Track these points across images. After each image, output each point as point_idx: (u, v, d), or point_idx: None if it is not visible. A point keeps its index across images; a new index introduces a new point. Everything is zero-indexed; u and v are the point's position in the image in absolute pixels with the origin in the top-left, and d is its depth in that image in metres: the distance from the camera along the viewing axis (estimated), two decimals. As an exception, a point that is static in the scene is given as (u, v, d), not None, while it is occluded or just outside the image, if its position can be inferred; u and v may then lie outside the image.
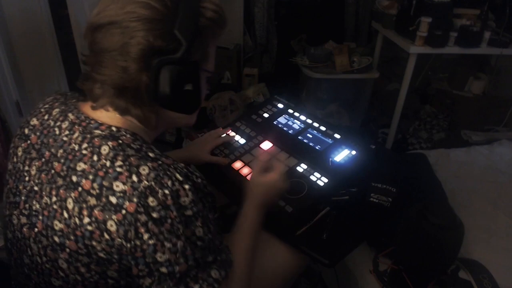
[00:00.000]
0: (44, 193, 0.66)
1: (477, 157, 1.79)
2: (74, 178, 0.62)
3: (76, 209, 0.61)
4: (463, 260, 1.13)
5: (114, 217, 0.58)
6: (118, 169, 0.60)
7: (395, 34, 2.32)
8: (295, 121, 1.23)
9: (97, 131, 0.66)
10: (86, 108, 0.71)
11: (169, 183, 0.59)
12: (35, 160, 0.70)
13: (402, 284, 1.00)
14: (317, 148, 1.12)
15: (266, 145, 1.14)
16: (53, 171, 0.66)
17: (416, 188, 1.19)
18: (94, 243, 0.60)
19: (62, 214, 0.62)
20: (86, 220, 0.60)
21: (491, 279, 1.08)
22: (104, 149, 0.62)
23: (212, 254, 0.65)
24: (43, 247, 0.65)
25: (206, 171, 1.10)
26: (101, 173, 0.60)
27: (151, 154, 0.63)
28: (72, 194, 0.62)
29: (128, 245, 0.59)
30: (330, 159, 1.08)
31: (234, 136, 1.18)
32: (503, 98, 2.53)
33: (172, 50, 0.63)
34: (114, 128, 0.66)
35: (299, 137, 1.17)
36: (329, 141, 1.14)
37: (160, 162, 0.62)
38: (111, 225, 0.58)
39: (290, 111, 1.27)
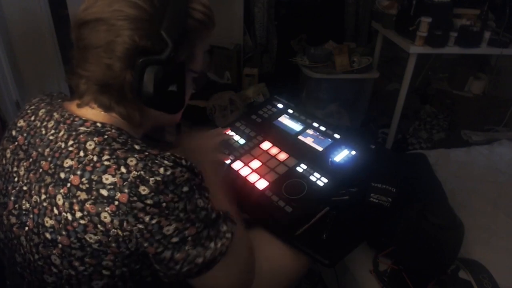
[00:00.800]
0: (33, 192, 0.66)
1: (477, 157, 1.79)
2: (62, 175, 0.63)
3: (67, 204, 0.61)
4: (463, 260, 1.13)
5: (107, 209, 0.59)
6: (106, 163, 0.60)
7: (395, 34, 2.32)
8: (295, 121, 1.23)
9: (82, 128, 0.66)
10: (71, 106, 0.71)
11: (161, 170, 0.60)
12: (23, 160, 0.70)
13: (402, 284, 1.00)
14: (317, 148, 1.12)
15: (266, 145, 1.14)
16: (41, 169, 0.66)
17: (416, 188, 1.19)
18: (88, 235, 0.60)
19: (52, 210, 0.63)
20: (78, 214, 0.60)
21: (491, 279, 1.08)
22: (90, 145, 0.63)
23: (214, 212, 0.68)
24: (35, 245, 0.66)
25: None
26: (89, 168, 0.61)
27: (137, 147, 0.64)
28: (61, 191, 0.62)
29: (126, 233, 0.59)
30: (330, 159, 1.08)
31: (233, 136, 1.18)
32: (503, 98, 2.53)
33: (158, 51, 0.63)
34: (99, 124, 0.67)
35: (299, 137, 1.16)
36: (329, 141, 1.14)
37: (146, 153, 0.62)
38: (105, 217, 0.59)
39: (290, 111, 1.27)
